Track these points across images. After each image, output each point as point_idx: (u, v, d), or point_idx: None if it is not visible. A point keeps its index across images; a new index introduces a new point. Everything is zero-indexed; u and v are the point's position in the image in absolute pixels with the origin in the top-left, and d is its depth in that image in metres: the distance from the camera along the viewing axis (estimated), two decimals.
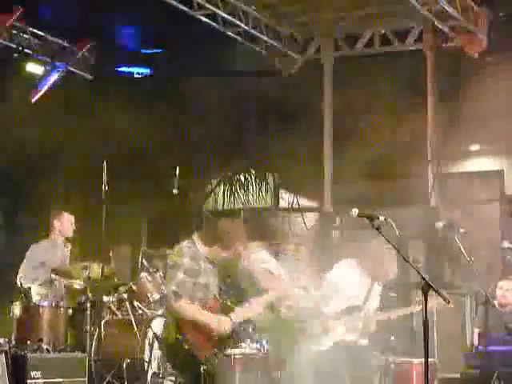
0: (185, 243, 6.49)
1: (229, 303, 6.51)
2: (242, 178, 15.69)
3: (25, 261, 9.51)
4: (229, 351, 6.55)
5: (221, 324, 6.34)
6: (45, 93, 13.30)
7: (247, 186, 15.67)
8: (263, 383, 6.91)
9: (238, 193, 15.69)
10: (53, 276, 9.29)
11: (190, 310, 6.26)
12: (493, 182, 12.91)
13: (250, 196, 15.63)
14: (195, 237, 6.51)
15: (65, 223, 9.70)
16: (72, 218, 9.75)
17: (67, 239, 9.84)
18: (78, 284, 9.14)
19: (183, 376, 6.58)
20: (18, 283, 9.23)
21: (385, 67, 13.33)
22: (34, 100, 13.20)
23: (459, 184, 13.16)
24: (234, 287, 6.88)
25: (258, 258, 7.21)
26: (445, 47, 13.21)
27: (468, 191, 12.90)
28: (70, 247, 9.87)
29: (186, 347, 6.20)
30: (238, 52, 14.80)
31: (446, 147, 13.34)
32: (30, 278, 9.27)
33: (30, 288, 9.02)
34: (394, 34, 13.53)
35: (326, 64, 13.94)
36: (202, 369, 6.22)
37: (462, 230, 8.91)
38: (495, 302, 9.96)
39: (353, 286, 8.02)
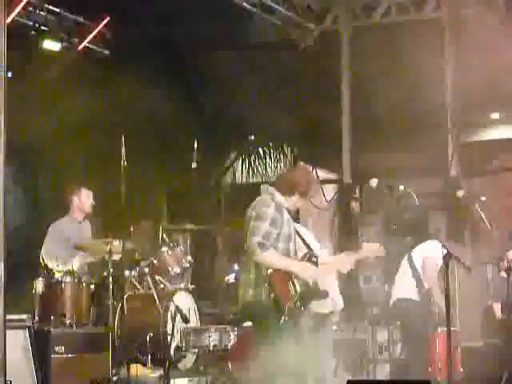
0: (265, 195, 6.48)
1: (314, 258, 6.46)
2: (261, 151, 15.66)
3: (47, 238, 9.50)
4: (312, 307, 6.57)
5: (306, 270, 6.34)
6: (62, 68, 13.28)
7: (265, 159, 15.65)
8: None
9: (256, 166, 15.67)
10: (77, 252, 9.28)
11: (276, 258, 6.27)
12: None
13: (269, 169, 15.61)
14: (271, 189, 6.50)
15: (83, 199, 9.62)
16: (90, 194, 9.68)
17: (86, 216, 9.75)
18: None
19: (260, 325, 6.44)
20: (41, 260, 9.27)
21: (403, 36, 13.22)
22: None
23: (479, 153, 13.07)
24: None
25: None
26: (463, 15, 13.08)
27: (488, 160, 12.82)
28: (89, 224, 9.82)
29: (272, 295, 6.17)
30: (254, 24, 14.71)
31: (466, 116, 13.24)
32: (52, 255, 9.27)
33: (52, 265, 9.06)
34: (411, 2, 13.43)
35: (344, 34, 13.85)
36: (282, 319, 6.19)
37: (482, 199, 8.86)
38: None
39: None
